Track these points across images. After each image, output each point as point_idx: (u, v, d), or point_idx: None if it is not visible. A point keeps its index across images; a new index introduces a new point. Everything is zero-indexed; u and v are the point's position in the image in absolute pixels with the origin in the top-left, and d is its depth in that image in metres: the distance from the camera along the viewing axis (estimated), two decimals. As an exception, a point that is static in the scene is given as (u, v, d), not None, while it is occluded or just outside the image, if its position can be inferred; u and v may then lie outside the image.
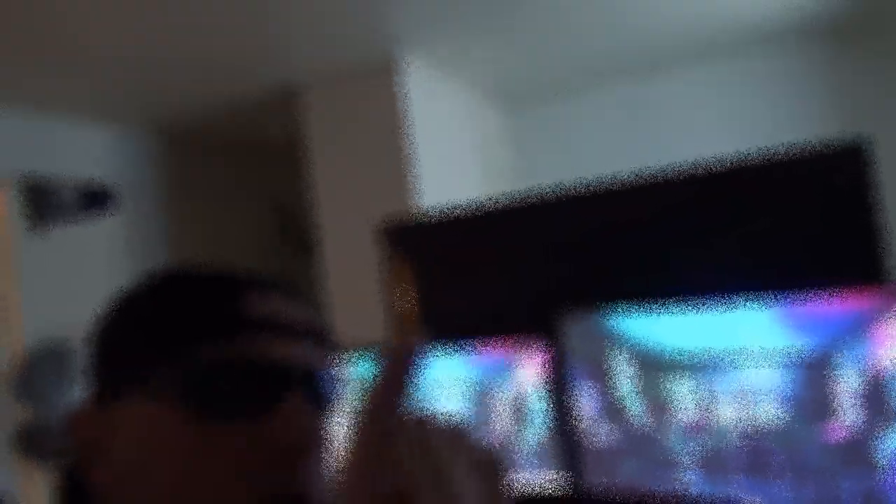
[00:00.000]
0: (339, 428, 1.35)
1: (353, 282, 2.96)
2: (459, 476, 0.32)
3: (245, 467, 0.45)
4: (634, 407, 1.09)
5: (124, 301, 0.51)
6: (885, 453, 0.92)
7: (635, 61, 3.40)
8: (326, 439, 0.50)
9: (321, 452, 0.49)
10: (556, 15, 2.68)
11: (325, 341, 0.52)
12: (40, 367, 2.75)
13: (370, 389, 0.34)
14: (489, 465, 0.35)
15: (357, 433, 0.33)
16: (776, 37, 3.25)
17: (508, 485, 0.35)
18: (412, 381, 0.35)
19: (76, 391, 2.85)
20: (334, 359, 0.52)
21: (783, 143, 3.39)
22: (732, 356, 1.02)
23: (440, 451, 0.32)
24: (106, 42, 2.43)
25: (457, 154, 3.31)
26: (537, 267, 1.43)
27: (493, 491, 0.34)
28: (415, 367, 0.35)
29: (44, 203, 2.96)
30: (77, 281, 3.12)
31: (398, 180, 2.92)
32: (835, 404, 0.96)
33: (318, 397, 0.49)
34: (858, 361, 0.94)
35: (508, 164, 3.95)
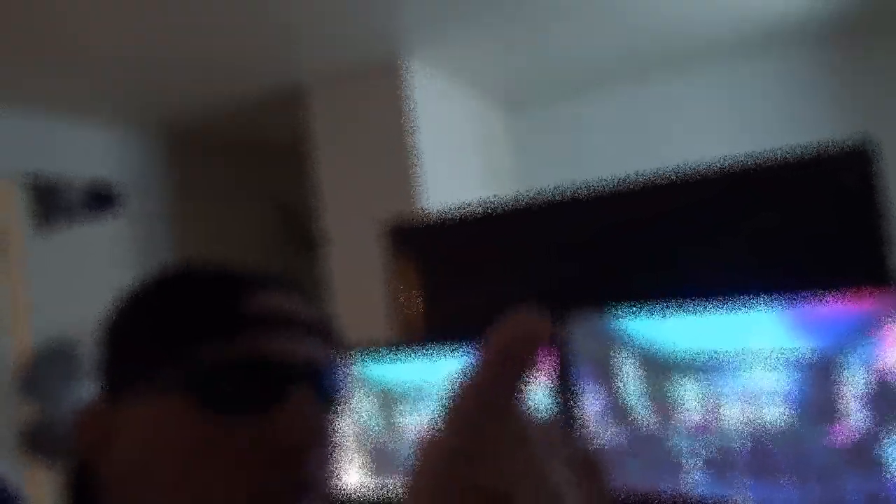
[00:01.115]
0: (346, 425, 1.35)
1: (357, 281, 2.96)
2: (559, 475, 0.28)
3: (251, 464, 0.45)
4: (640, 408, 1.09)
5: (131, 299, 0.51)
6: (891, 456, 0.92)
7: (639, 63, 3.40)
8: (332, 437, 0.50)
9: (327, 450, 0.49)
10: (560, 16, 2.68)
11: (331, 339, 0.52)
12: (46, 366, 2.76)
13: (477, 374, 0.28)
14: (589, 464, 0.31)
15: (455, 422, 0.27)
16: (781, 38, 3.25)
17: (609, 486, 0.31)
18: (532, 370, 0.29)
19: (82, 390, 2.86)
20: (340, 356, 0.52)
21: (788, 145, 3.38)
22: (739, 358, 1.02)
23: (540, 448, 0.28)
24: (110, 43, 2.43)
25: (460, 155, 3.31)
26: (543, 268, 1.43)
27: (594, 492, 0.31)
28: (537, 353, 0.29)
29: (49, 203, 2.97)
30: (82, 280, 3.13)
31: (402, 180, 2.92)
32: (841, 407, 0.95)
33: (325, 395, 0.49)
34: (865, 363, 0.94)
35: (511, 165, 3.94)
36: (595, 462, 0.31)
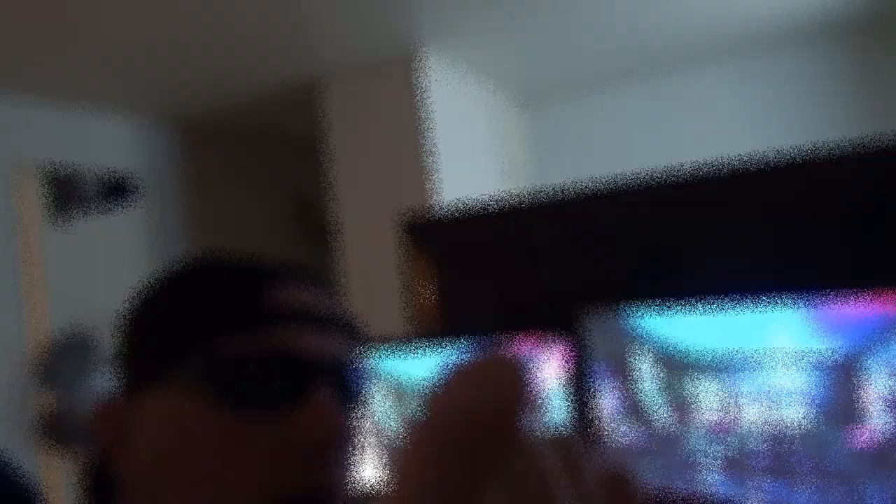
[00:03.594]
0: (366, 424, 1.35)
1: (372, 275, 2.96)
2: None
3: (271, 460, 0.44)
4: (657, 407, 1.08)
5: (152, 291, 0.50)
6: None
7: (655, 58, 3.37)
8: (353, 435, 0.49)
9: (348, 448, 0.48)
10: (576, 12, 2.66)
11: (353, 334, 0.51)
12: (63, 355, 2.78)
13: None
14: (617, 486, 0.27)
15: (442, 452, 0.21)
16: (801, 34, 3.21)
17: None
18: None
19: (98, 379, 2.88)
20: (363, 352, 0.52)
21: (807, 142, 3.34)
22: (759, 357, 1.01)
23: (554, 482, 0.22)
24: (128, 34, 2.44)
25: (475, 149, 3.30)
26: (559, 264, 1.42)
27: None
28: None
29: (67, 193, 2.99)
30: (99, 270, 3.15)
31: (417, 174, 2.91)
32: (862, 408, 0.94)
33: (347, 392, 0.49)
34: (888, 365, 0.92)
35: (527, 160, 3.93)
36: (624, 483, 0.26)
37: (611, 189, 1.37)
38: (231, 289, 0.47)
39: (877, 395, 0.93)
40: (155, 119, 3.50)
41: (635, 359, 1.10)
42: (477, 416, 0.18)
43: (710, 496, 1.04)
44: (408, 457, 0.18)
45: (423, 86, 2.92)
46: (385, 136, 2.99)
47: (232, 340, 0.45)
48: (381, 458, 1.31)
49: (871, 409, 0.94)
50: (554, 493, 0.21)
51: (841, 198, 1.16)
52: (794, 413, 0.99)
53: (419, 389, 1.29)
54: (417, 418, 0.19)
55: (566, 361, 1.18)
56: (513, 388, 0.19)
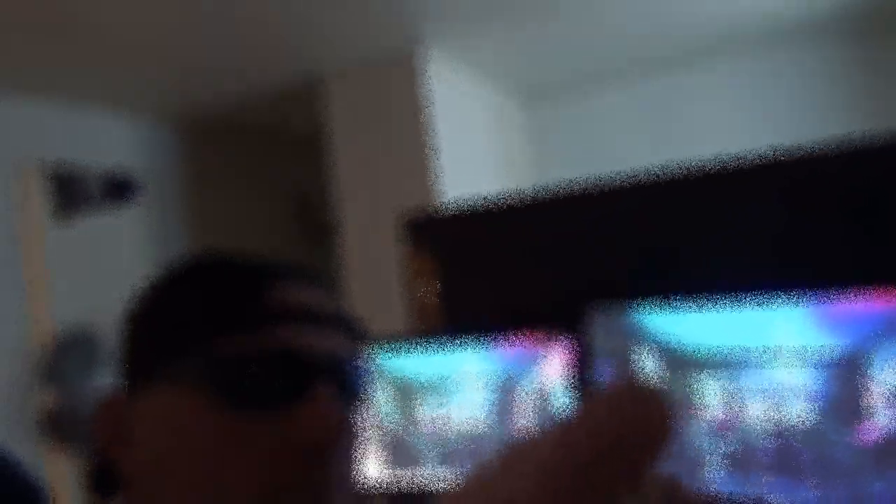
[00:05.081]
0: (365, 418, 1.34)
1: (373, 273, 2.96)
2: None
3: (272, 462, 0.44)
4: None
5: (154, 289, 0.50)
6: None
7: (657, 56, 3.37)
8: (354, 434, 0.49)
9: (348, 447, 0.48)
10: (578, 10, 2.66)
11: (355, 333, 0.51)
12: (66, 353, 2.78)
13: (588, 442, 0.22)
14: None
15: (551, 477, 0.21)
16: (803, 31, 3.20)
17: None
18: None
19: (101, 376, 2.88)
20: (364, 351, 0.51)
21: (809, 139, 3.34)
22: (762, 354, 1.01)
23: None
24: (130, 32, 2.44)
25: (477, 147, 3.30)
26: (562, 261, 1.41)
27: None
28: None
29: (69, 192, 2.99)
30: (101, 269, 3.15)
31: (419, 172, 2.91)
32: (867, 405, 0.94)
33: (348, 390, 0.49)
34: (892, 362, 0.92)
35: (529, 158, 3.92)
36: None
37: (612, 186, 1.37)
38: (232, 288, 0.47)
39: (881, 392, 0.93)
40: (157, 117, 3.50)
41: (638, 356, 1.10)
42: (626, 441, 0.18)
43: (714, 493, 1.04)
44: (545, 456, 0.18)
45: (425, 85, 2.91)
46: (386, 135, 2.98)
47: (232, 340, 0.45)
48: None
49: (876, 405, 0.93)
50: None
51: (844, 193, 1.16)
52: (798, 410, 0.98)
53: (421, 386, 1.29)
54: (563, 423, 0.19)
55: (569, 359, 1.18)
56: (662, 422, 0.20)
